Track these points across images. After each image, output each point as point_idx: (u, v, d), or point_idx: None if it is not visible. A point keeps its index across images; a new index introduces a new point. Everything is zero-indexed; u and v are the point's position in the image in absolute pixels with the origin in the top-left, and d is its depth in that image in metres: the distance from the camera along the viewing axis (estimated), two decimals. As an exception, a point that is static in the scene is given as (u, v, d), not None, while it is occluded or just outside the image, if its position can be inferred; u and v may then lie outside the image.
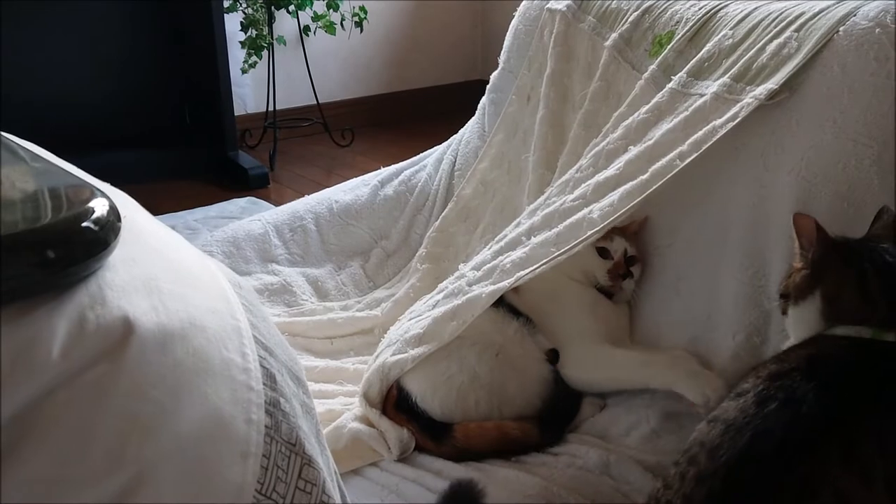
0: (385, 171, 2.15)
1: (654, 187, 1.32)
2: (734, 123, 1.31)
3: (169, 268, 0.73)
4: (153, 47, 3.10)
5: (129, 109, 3.08)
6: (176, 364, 0.64)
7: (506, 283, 1.36)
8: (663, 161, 1.33)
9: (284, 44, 3.24)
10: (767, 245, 1.34)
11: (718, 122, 1.32)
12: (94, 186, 0.71)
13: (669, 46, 1.56)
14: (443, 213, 1.96)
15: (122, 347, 0.61)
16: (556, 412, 1.42)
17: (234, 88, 3.09)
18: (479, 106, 2.07)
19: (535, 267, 1.36)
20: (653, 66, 1.57)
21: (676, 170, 1.31)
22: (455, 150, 2.07)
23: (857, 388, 0.91)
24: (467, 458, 1.33)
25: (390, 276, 1.95)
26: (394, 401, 1.39)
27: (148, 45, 3.09)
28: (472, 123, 2.07)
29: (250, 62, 3.07)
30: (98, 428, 0.59)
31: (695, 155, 1.31)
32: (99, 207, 0.67)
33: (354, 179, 2.17)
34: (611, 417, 1.40)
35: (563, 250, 1.35)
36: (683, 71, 1.48)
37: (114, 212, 0.68)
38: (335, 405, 1.47)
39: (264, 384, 0.71)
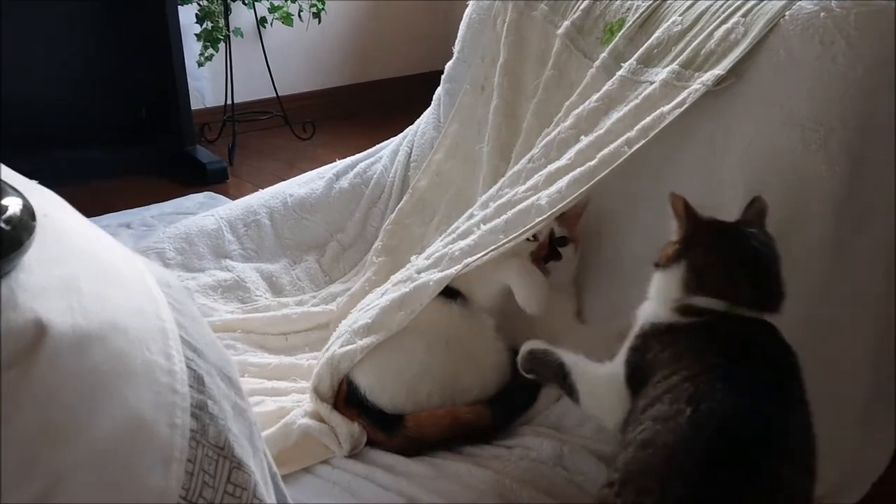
0: (340, 164, 2.12)
1: (603, 174, 1.31)
2: (682, 110, 1.30)
3: (92, 268, 0.70)
4: (106, 41, 3.03)
5: (84, 105, 3.02)
6: (93, 368, 0.61)
7: (453, 270, 1.35)
8: (611, 147, 1.32)
9: (241, 36, 3.19)
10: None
11: (666, 108, 1.31)
12: (6, 184, 0.68)
13: (620, 34, 1.55)
14: (398, 206, 1.94)
15: (34, 351, 0.58)
16: (512, 397, 1.42)
17: (191, 82, 3.04)
18: (435, 96, 2.05)
19: (482, 254, 1.35)
20: (604, 55, 1.56)
21: (624, 157, 1.30)
22: (411, 141, 2.05)
23: (767, 389, 0.98)
24: (421, 448, 1.32)
25: (346, 270, 1.93)
26: (344, 396, 1.37)
27: (101, 39, 3.02)
28: (427, 114, 2.06)
29: (206, 55, 3.01)
30: (9, 436, 0.56)
31: (643, 142, 1.30)
32: (11, 206, 0.64)
33: (309, 173, 2.15)
34: (564, 408, 1.39)
35: (510, 237, 1.34)
36: (633, 58, 1.47)
37: (27, 210, 0.65)
38: (287, 402, 1.45)
39: (190, 386, 0.69)
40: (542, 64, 1.72)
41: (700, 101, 1.32)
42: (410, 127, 2.10)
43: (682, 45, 1.43)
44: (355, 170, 2.08)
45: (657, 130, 1.30)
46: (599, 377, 1.12)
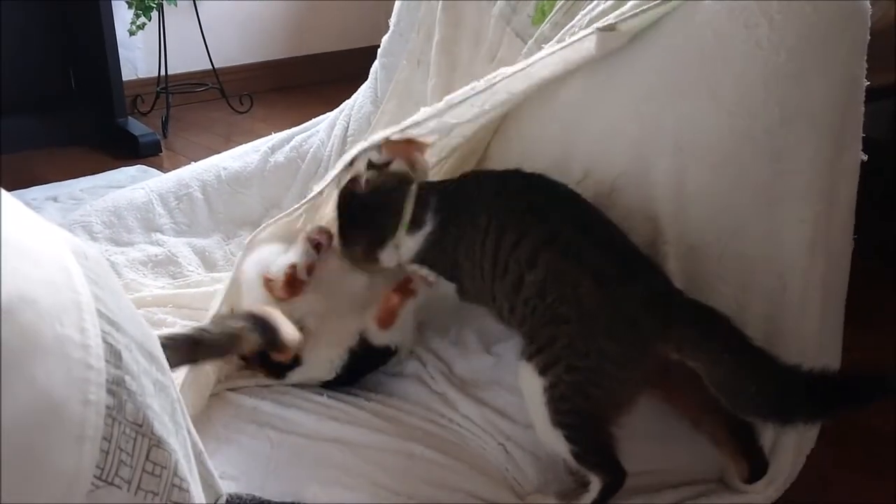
0: (276, 137, 2.09)
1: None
2: (563, 51, 1.31)
3: (-2, 241, 0.68)
4: (33, 7, 2.92)
5: (10, 73, 2.90)
6: None
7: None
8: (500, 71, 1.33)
9: (175, 4, 3.09)
10: (652, 213, 1.35)
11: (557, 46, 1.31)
12: None
13: (548, 18, 1.54)
14: (335, 182, 1.92)
15: None
16: None
17: (123, 52, 2.95)
18: (372, 70, 2.03)
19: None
20: (530, 42, 1.55)
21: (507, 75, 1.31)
22: (348, 115, 2.02)
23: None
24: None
25: (283, 247, 1.91)
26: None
27: (28, 5, 2.91)
28: (364, 88, 2.03)
29: (138, 23, 2.92)
30: None
31: (529, 64, 1.31)
32: None
33: (244, 146, 2.11)
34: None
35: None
36: (555, 39, 1.45)
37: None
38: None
39: (107, 361, 0.67)
40: (477, 43, 1.71)
41: (629, 81, 1.32)
42: (347, 101, 2.08)
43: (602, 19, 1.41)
44: (291, 143, 2.05)
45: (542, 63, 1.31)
46: None
